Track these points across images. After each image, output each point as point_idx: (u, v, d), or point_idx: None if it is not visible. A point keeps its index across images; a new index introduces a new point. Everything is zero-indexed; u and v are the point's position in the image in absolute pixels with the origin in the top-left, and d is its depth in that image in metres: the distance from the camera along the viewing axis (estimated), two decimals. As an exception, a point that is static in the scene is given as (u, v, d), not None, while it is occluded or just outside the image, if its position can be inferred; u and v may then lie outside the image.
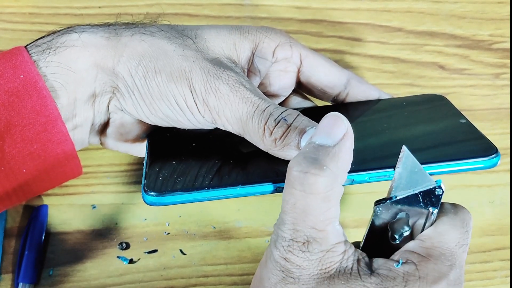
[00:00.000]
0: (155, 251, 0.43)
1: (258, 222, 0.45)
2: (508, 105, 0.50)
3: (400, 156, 0.31)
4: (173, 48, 0.36)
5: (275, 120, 0.33)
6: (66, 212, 0.44)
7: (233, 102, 0.34)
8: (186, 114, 0.36)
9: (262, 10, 0.52)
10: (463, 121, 0.38)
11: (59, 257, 0.42)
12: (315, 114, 0.38)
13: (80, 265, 0.42)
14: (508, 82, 0.51)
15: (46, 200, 0.44)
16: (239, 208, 0.45)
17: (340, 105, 0.41)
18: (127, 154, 0.43)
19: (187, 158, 0.36)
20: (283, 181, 0.33)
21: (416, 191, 0.31)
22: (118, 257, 0.43)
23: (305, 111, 0.36)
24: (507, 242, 0.46)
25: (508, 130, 0.49)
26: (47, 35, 0.36)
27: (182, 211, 0.44)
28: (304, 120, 0.34)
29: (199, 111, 0.35)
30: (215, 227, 0.44)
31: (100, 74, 0.36)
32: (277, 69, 0.40)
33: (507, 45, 0.52)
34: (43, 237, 0.42)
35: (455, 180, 0.48)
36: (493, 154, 0.34)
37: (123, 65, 0.35)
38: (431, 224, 0.32)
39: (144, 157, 0.38)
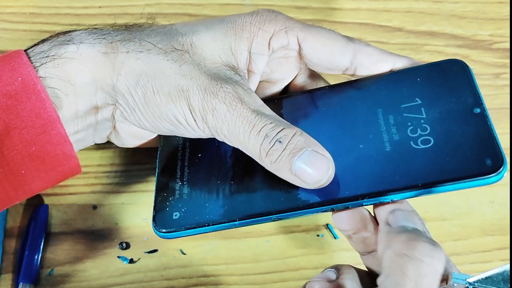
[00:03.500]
0: (155, 251, 0.43)
1: (258, 222, 0.45)
2: (508, 105, 0.50)
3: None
4: (170, 65, 0.35)
5: (269, 143, 0.33)
6: (66, 212, 0.44)
7: (230, 121, 0.34)
8: (188, 130, 0.36)
9: (262, 10, 0.52)
10: (477, 110, 0.34)
11: (59, 257, 0.42)
12: (325, 96, 0.38)
13: (80, 265, 0.42)
14: (508, 82, 0.51)
15: (46, 200, 0.44)
16: (239, 208, 0.45)
17: (346, 85, 0.39)
18: (126, 153, 0.43)
19: (195, 186, 0.37)
20: (288, 210, 0.34)
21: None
22: (118, 257, 0.43)
23: (315, 93, 0.38)
24: (507, 242, 0.46)
25: (508, 130, 0.49)
26: (45, 41, 0.36)
27: (182, 211, 0.44)
28: (300, 141, 0.33)
29: (199, 128, 0.36)
30: (215, 227, 0.44)
31: (100, 91, 0.36)
32: (277, 57, 0.39)
33: (507, 45, 0.52)
34: (43, 237, 0.42)
35: (455, 180, 0.48)
36: (496, 171, 0.31)
37: (122, 84, 0.35)
38: None
39: (156, 164, 0.39)
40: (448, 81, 0.36)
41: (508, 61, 0.52)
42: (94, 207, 0.44)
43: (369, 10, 0.52)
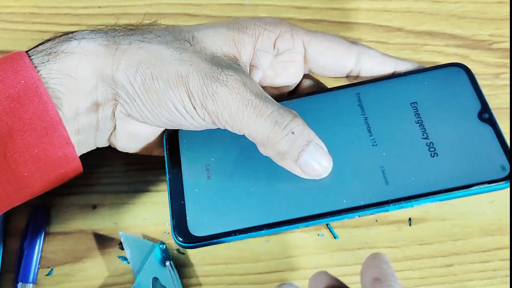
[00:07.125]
0: (155, 251, 0.43)
1: (258, 222, 0.45)
2: (508, 105, 0.50)
3: None
4: (170, 53, 0.35)
5: (282, 130, 0.33)
6: (66, 212, 0.44)
7: (232, 105, 0.34)
8: (187, 118, 0.36)
9: (262, 10, 0.52)
10: (485, 116, 0.35)
11: (59, 257, 0.42)
12: (326, 99, 0.39)
13: (80, 265, 0.42)
14: (508, 82, 0.51)
15: (45, 200, 0.43)
16: (239, 208, 0.45)
17: (347, 88, 0.40)
18: (126, 153, 0.43)
19: (209, 189, 0.36)
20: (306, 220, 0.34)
21: None
22: (118, 256, 0.43)
23: (316, 96, 0.38)
24: (507, 242, 0.46)
25: (508, 130, 0.49)
26: (47, 41, 0.36)
27: (182, 211, 0.44)
28: (308, 133, 0.34)
29: (198, 115, 0.35)
30: (215, 227, 0.44)
31: (100, 83, 0.36)
32: (283, 60, 0.40)
33: (507, 45, 0.52)
34: (43, 237, 0.42)
35: (455, 180, 0.48)
36: (502, 181, 0.32)
37: (122, 73, 0.35)
38: None
39: (164, 161, 0.38)
40: (452, 88, 0.37)
41: (508, 61, 0.52)
42: (94, 206, 0.44)
43: (369, 10, 0.52)
